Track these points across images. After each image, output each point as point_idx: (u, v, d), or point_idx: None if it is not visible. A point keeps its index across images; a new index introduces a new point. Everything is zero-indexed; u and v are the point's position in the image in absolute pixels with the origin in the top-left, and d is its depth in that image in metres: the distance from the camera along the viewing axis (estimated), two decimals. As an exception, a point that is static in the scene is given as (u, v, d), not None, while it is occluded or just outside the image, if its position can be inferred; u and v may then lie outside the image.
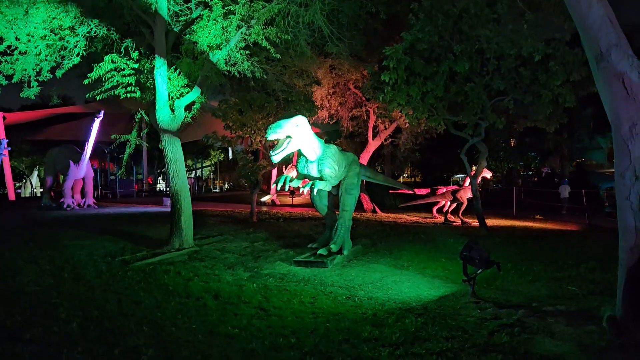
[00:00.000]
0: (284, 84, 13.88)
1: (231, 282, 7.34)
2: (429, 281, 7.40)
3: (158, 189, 45.98)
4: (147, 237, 11.70)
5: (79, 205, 20.59)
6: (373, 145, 20.17)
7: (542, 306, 5.77)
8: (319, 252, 9.01)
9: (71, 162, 19.83)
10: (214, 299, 6.33)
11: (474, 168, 19.14)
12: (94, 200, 21.92)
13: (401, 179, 47.37)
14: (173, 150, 10.16)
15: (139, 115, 10.86)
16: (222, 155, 50.75)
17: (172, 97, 10.23)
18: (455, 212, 16.78)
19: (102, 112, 18.88)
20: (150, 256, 9.20)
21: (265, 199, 27.25)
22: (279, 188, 8.87)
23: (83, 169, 20.10)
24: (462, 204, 16.09)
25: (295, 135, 8.38)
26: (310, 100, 16.39)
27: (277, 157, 8.24)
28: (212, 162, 51.72)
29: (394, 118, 18.32)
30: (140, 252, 9.62)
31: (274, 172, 29.15)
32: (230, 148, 43.94)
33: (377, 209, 19.95)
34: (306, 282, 7.39)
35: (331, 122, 19.92)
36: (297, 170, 9.27)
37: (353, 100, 18.88)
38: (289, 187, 8.73)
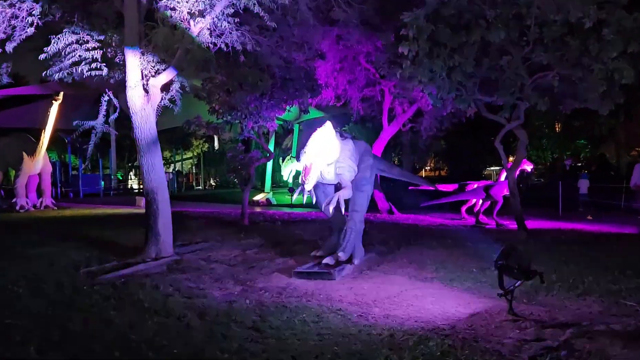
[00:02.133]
0: (281, 59, 13.87)
1: (219, 298, 7.38)
2: (457, 295, 7.41)
3: (130, 186, 46.09)
4: (118, 244, 11.77)
5: (34, 206, 20.69)
6: (389, 131, 20.16)
7: (594, 325, 5.79)
8: (324, 261, 9.03)
9: (24, 154, 19.91)
10: (198, 318, 6.38)
11: (511, 159, 19.09)
12: (53, 201, 22.02)
13: (422, 173, 47.36)
14: (147, 139, 10.18)
15: (106, 98, 10.88)
16: (207, 146, 50.85)
17: (145, 76, 10.25)
18: (488, 212, 16.76)
19: (62, 93, 18.94)
20: (122, 267, 9.23)
21: (258, 197, 27.31)
22: (304, 200, 9.10)
23: (39, 163, 20.18)
24: (496, 202, 16.08)
25: (324, 151, 8.75)
26: (313, 78, 16.40)
27: (310, 184, 8.71)
28: (195, 154, 51.82)
29: (414, 99, 18.28)
30: (109, 262, 9.66)
31: (270, 164, 29.23)
32: (216, 136, 44.00)
33: (394, 209, 19.97)
34: (309, 297, 7.42)
35: (338, 104, 19.90)
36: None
37: (365, 78, 18.83)
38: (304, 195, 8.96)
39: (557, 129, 35.76)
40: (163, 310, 6.71)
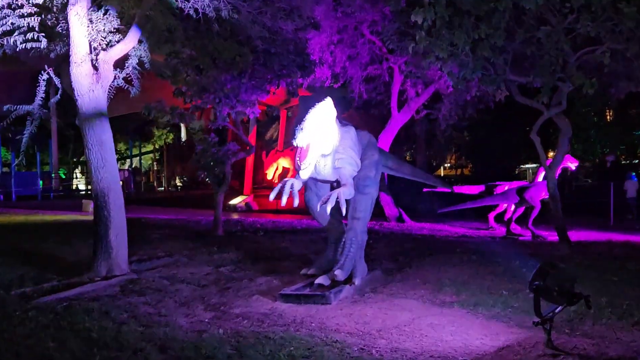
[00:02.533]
0: (264, 29, 13.84)
1: (186, 327, 7.34)
2: (482, 324, 7.40)
3: (75, 186, 45.96)
4: (60, 259, 11.72)
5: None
6: (399, 120, 20.18)
7: (653, 361, 5.79)
8: (317, 281, 9.02)
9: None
10: (159, 351, 6.34)
11: (551, 155, 19.13)
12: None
13: (441, 172, 47.45)
14: (96, 128, 10.14)
15: (45, 76, 10.82)
16: (172, 136, 50.74)
17: (94, 49, 10.20)
18: (522, 220, 16.80)
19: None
20: (64, 288, 9.20)
21: (236, 201, 27.32)
22: (283, 202, 9.01)
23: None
24: (532, 208, 16.11)
25: (323, 131, 8.75)
26: (304, 53, 16.37)
27: (309, 169, 8.78)
28: (157, 147, 51.68)
29: (430, 79, 18.29)
30: (48, 281, 9.60)
31: (250, 160, 29.24)
32: (183, 125, 43.91)
33: (404, 216, 19.98)
34: (299, 325, 7.39)
35: (335, 86, 19.89)
36: (297, 168, 9.35)
37: (368, 53, 18.86)
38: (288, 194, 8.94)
39: (608, 118, 35.81)
40: (115, 342, 6.65)
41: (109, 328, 7.20)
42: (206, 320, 7.69)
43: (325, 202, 8.69)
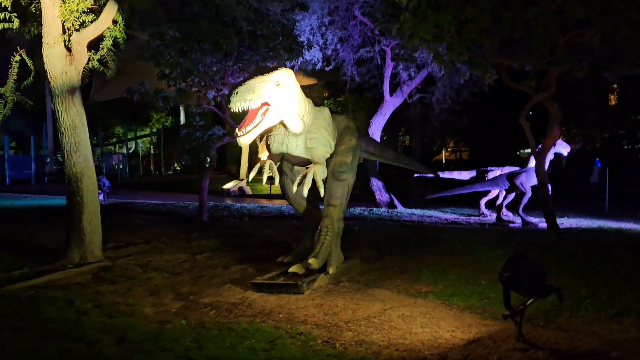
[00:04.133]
0: (251, 9, 13.67)
1: (150, 317, 7.23)
2: (455, 316, 7.25)
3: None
4: (38, 245, 11.71)
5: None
6: (392, 103, 20.01)
7: (628, 357, 5.69)
8: (291, 269, 8.83)
9: None
10: (116, 343, 6.22)
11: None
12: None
13: (442, 156, 47.31)
14: (70, 111, 9.99)
15: (17, 58, 10.68)
16: (170, 120, 50.56)
17: (67, 30, 10.03)
18: (514, 206, 16.66)
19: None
20: (34, 275, 9.07)
21: (229, 186, 27.28)
22: (264, 181, 8.88)
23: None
24: (523, 194, 15.94)
25: (275, 101, 8.32)
26: (292, 35, 16.17)
27: (248, 137, 8.31)
28: (154, 131, 51.55)
29: (423, 62, 18.12)
30: (20, 268, 9.51)
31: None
32: (182, 108, 43.71)
33: (396, 202, 19.86)
34: (266, 316, 7.27)
35: (327, 69, 19.78)
36: (268, 148, 9.23)
37: (360, 35, 18.69)
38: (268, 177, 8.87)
39: (610, 102, 35.64)
40: (72, 333, 6.56)
41: (70, 318, 7.13)
42: (173, 310, 7.57)
43: (300, 183, 8.55)
